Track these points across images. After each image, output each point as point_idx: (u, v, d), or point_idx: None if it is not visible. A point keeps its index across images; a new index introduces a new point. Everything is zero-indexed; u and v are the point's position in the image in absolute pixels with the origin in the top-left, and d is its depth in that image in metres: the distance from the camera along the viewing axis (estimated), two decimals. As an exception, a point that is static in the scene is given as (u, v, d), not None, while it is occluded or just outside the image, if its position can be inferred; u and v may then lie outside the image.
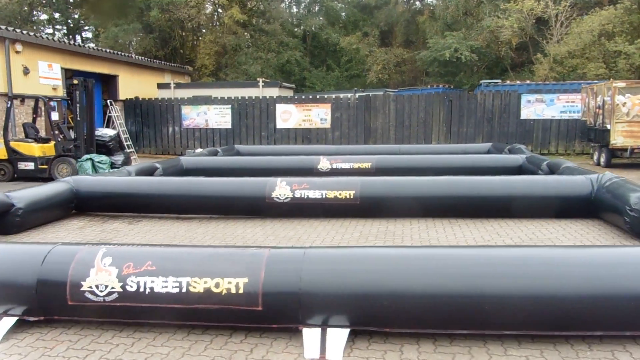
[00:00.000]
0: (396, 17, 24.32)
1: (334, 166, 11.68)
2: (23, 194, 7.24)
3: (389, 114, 17.35)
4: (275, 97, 17.96)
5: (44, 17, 35.95)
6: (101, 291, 3.62)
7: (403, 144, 16.61)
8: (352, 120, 17.52)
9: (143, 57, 20.82)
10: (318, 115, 17.68)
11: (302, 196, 7.51)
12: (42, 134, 13.02)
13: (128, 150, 15.40)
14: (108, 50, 18.40)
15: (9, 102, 12.08)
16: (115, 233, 7.05)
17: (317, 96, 18.34)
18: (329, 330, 3.38)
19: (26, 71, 13.86)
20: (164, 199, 7.92)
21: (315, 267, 3.45)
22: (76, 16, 34.59)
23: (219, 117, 18.24)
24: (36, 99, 12.50)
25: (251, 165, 11.99)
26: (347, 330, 3.38)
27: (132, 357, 3.35)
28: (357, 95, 17.75)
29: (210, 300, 3.48)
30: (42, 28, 36.01)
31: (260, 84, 19.21)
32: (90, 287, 3.63)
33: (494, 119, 16.74)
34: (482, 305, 3.25)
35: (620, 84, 12.61)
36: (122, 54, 19.11)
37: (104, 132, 13.37)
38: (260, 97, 18.11)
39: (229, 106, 18.09)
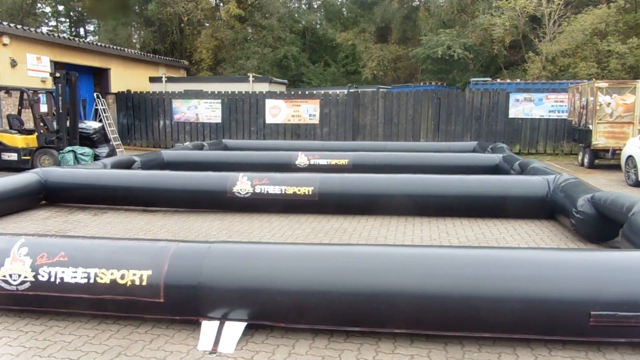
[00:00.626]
0: (392, 14, 24.27)
1: (312, 162, 11.75)
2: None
3: (378, 110, 17.36)
4: (264, 93, 18.01)
5: (47, 9, 36.30)
6: (14, 280, 3.72)
7: (391, 141, 16.69)
8: (341, 116, 17.55)
9: (136, 51, 20.95)
10: (307, 111, 17.73)
11: (262, 191, 7.59)
12: (30, 125, 13.19)
13: (115, 143, 15.55)
14: (99, 44, 18.55)
15: (-6, 94, 12.27)
16: (76, 224, 7.17)
17: (307, 92, 18.37)
18: (227, 323, 3.46)
19: (13, 63, 14.04)
20: (129, 191, 8.03)
21: (216, 262, 3.53)
22: (79, 9, 34.84)
23: (209, 112, 18.35)
24: (21, 91, 12.66)
25: (229, 159, 12.08)
26: (243, 324, 3.45)
27: (36, 344, 3.45)
28: (346, 91, 17.75)
29: (115, 292, 3.57)
30: (46, 21, 36.38)
31: (251, 79, 19.28)
32: (4, 276, 3.73)
33: (482, 117, 16.70)
34: (376, 303, 3.29)
35: (603, 84, 12.53)
36: (115, 47, 19.26)
37: (89, 125, 13.51)
38: (250, 92, 18.16)
39: (219, 100, 18.20)
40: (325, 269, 3.40)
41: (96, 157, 12.86)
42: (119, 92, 18.74)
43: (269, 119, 18.00)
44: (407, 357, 3.20)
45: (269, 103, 17.92)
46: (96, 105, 16.23)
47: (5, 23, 13.93)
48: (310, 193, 7.47)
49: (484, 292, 3.17)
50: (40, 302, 3.74)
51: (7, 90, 12.74)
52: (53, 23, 36.11)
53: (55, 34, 16.21)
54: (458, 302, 3.18)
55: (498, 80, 18.53)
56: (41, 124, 12.51)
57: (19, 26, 14.51)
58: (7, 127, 12.73)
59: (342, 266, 3.41)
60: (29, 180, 8.08)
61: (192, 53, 27.13)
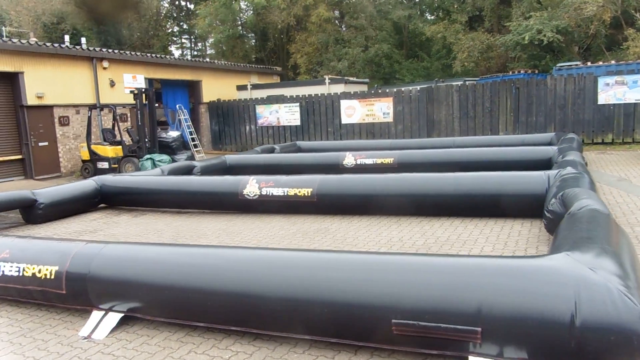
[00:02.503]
0: (483, 0, 23.02)
1: (358, 162, 11.90)
2: (47, 191, 8.80)
3: (453, 105, 16.76)
4: (339, 94, 18.37)
5: (175, 29, 40.26)
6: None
7: (467, 136, 16.05)
8: (415, 113, 17.26)
9: (225, 62, 22.56)
10: (381, 110, 17.73)
11: (268, 193, 8.02)
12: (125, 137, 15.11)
13: (196, 149, 17.07)
14: (190, 59, 20.38)
15: (90, 112, 14.27)
16: (111, 224, 8.25)
17: (380, 90, 18.33)
18: (109, 314, 3.97)
19: (112, 84, 16.13)
20: (161, 195, 9.00)
21: (102, 260, 4.05)
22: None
23: (289, 115, 19.20)
24: (109, 108, 14.56)
25: (281, 161, 12.67)
26: (119, 316, 3.94)
27: (-24, 324, 4.28)
28: (419, 87, 17.39)
29: (34, 283, 4.27)
30: (174, 39, 40.29)
31: (327, 81, 19.75)
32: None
33: (567, 105, 15.30)
34: (210, 301, 3.56)
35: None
36: (205, 60, 21.02)
37: (169, 134, 15.06)
38: (326, 94, 18.65)
39: (297, 104, 18.95)
40: (187, 268, 3.72)
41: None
42: (210, 101, 20.43)
43: (345, 119, 18.32)
44: (230, 353, 3.42)
45: (344, 104, 18.24)
46: (178, 115, 17.92)
47: (104, 49, 16.07)
48: (309, 194, 7.73)
49: (297, 293, 3.28)
50: (-9, 290, 4.60)
51: (102, 107, 14.71)
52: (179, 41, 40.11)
53: (148, 54, 18.17)
54: (275, 302, 3.33)
55: (588, 63, 16.74)
56: (128, 135, 14.29)
57: (116, 51, 16.62)
58: (102, 140, 14.72)
59: (204, 266, 3.71)
60: (87, 186, 9.42)
61: (288, 59, 28.36)
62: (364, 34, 26.25)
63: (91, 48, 15.67)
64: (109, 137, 14.55)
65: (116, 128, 14.41)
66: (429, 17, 26.52)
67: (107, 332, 3.85)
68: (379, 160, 11.70)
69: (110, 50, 16.42)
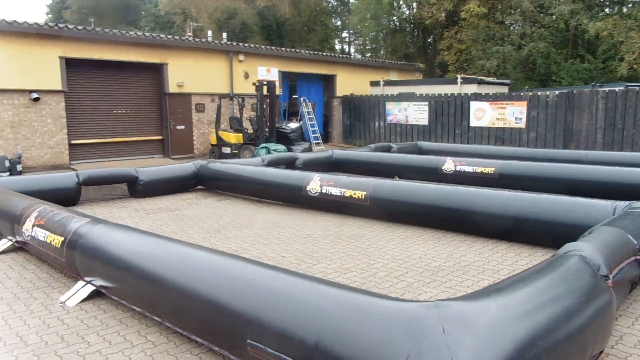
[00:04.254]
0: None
1: (458, 169, 11.23)
2: (147, 170, 9.97)
3: (597, 114, 14.71)
4: (469, 95, 17.34)
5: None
6: (25, 234, 5.53)
7: (610, 151, 14.01)
8: (551, 120, 15.54)
9: (362, 57, 22.75)
10: (513, 114, 16.31)
11: (327, 192, 8.07)
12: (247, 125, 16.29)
13: (315, 142, 17.60)
14: (324, 54, 20.94)
15: (219, 101, 15.64)
16: (192, 204, 9.08)
17: (512, 93, 16.76)
18: (87, 285, 4.46)
19: (246, 75, 17.41)
20: (242, 183, 9.59)
21: (87, 238, 4.53)
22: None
23: (417, 114, 18.70)
24: (236, 98, 15.73)
25: (382, 160, 12.48)
26: (90, 289, 4.40)
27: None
28: (557, 92, 15.55)
29: (51, 249, 4.98)
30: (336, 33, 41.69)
31: (459, 80, 18.73)
32: (24, 230, 5.58)
33: None
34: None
35: None
36: (340, 55, 21.45)
37: (287, 126, 15.79)
38: (456, 95, 17.74)
39: (426, 103, 18.36)
40: (143, 258, 3.96)
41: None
42: (343, 95, 20.84)
43: (473, 122, 17.26)
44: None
45: (474, 105, 17.18)
46: (301, 108, 18.57)
47: (240, 44, 17.39)
48: (362, 197, 7.58)
49: (191, 292, 3.34)
50: (30, 250, 5.46)
51: (230, 97, 15.99)
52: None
53: (283, 49, 19.14)
54: (180, 297, 3.44)
55: None
56: (250, 124, 15.35)
57: (252, 45, 17.85)
58: (229, 127, 16.02)
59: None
60: (186, 169, 10.45)
61: (435, 56, 27.49)
62: (519, 32, 24.21)
63: (229, 42, 17.08)
64: (234, 124, 15.77)
65: (242, 117, 15.56)
66: (597, 14, 23.32)
67: (78, 301, 4.34)
68: (478, 169, 10.88)
69: (246, 45, 17.71)
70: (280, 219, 7.73)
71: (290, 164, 12.27)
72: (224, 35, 17.54)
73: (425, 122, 18.57)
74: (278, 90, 18.48)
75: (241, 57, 17.22)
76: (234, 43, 17.39)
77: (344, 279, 4.89)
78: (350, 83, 21.17)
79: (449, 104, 17.87)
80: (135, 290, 3.90)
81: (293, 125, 15.97)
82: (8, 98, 12.53)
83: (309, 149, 15.93)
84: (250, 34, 31.78)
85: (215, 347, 3.28)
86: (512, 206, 6.17)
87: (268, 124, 15.18)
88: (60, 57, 13.31)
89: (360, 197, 7.61)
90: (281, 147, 14.78)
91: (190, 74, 15.96)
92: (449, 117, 17.92)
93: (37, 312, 4.16)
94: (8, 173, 12.17)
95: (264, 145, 14.56)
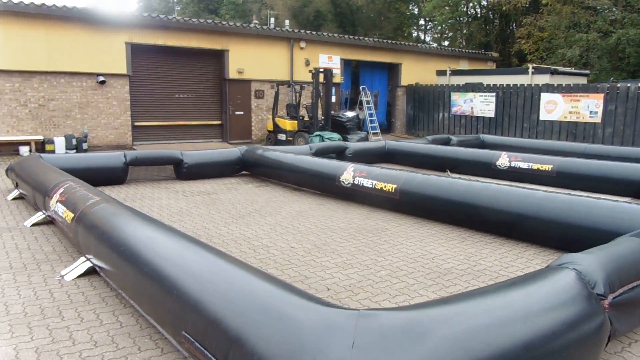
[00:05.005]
0: None
1: (513, 164, 10.60)
2: (192, 154, 10.21)
3: (685, 109, 13.22)
4: (540, 86, 16.19)
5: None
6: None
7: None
8: (631, 115, 14.17)
9: (429, 46, 21.86)
10: (587, 107, 15.05)
11: (359, 183, 7.85)
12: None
13: (373, 132, 17.23)
14: (389, 42, 20.37)
15: (277, 88, 15.72)
16: (229, 187, 9.22)
17: (589, 85, 15.39)
18: (86, 262, 4.60)
19: (307, 63, 17.34)
20: (282, 170, 9.58)
21: (89, 216, 4.67)
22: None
23: (484, 105, 17.78)
24: (293, 85, 15.71)
25: (435, 153, 12.01)
26: (86, 265, 4.52)
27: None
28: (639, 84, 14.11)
29: (65, 224, 5.18)
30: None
31: (530, 70, 17.52)
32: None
33: None
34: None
35: None
36: (406, 43, 20.75)
37: (344, 114, 15.58)
38: (526, 85, 16.64)
39: (494, 94, 17.40)
40: (133, 244, 4.03)
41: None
42: (408, 85, 20.24)
43: (543, 115, 16.13)
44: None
45: (545, 97, 16.04)
46: (361, 97, 18.18)
47: (302, 31, 17.31)
48: (392, 190, 7.30)
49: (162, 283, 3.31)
50: (56, 224, 5.72)
51: (287, 84, 16.01)
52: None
53: (345, 36, 18.83)
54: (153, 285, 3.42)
55: None
56: (306, 112, 15.31)
57: (313, 32, 17.71)
58: (286, 114, 16.06)
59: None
60: (231, 154, 10.62)
61: (512, 44, 25.98)
62: (607, 17, 22.25)
63: (290, 29, 17.06)
64: (291, 111, 15.78)
65: (300, 104, 15.55)
66: None
67: (75, 276, 4.48)
68: (535, 166, 10.17)
69: (307, 32, 17.60)
70: (310, 209, 7.61)
71: (340, 153, 12.09)
72: (287, 22, 17.51)
73: (492, 114, 17.61)
74: (339, 78, 18.33)
75: (302, 44, 17.16)
76: (295, 30, 17.36)
77: (342, 274, 4.69)
78: (416, 72, 20.51)
79: (517, 95, 16.82)
80: (113, 270, 3.95)
81: (350, 114, 15.73)
82: (77, 80, 13.31)
83: (365, 139, 15.63)
84: (324, 22, 31.71)
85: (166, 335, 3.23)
86: (568, 211, 5.50)
87: (324, 112, 15.06)
88: (126, 43, 13.93)
89: (390, 190, 7.32)
90: (336, 135, 14.59)
91: (251, 61, 16.15)
92: (517, 110, 16.88)
93: (35, 284, 4.33)
94: (75, 150, 12.98)
95: (318, 133, 14.45)
